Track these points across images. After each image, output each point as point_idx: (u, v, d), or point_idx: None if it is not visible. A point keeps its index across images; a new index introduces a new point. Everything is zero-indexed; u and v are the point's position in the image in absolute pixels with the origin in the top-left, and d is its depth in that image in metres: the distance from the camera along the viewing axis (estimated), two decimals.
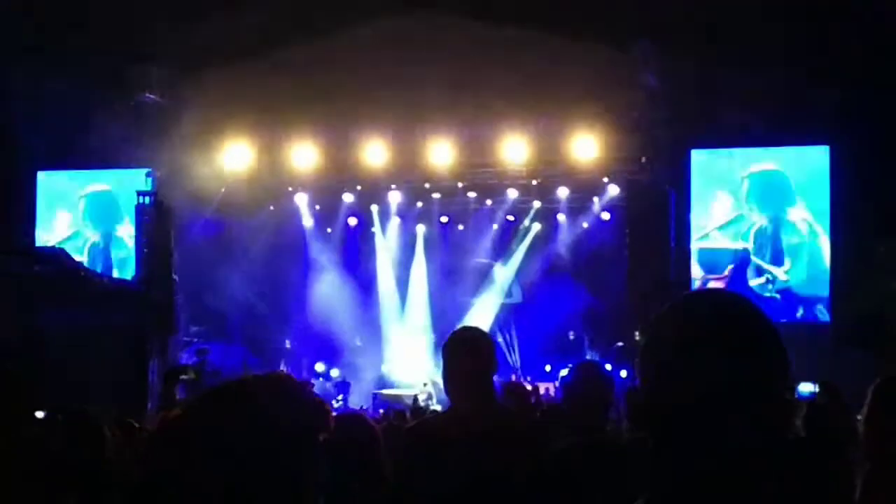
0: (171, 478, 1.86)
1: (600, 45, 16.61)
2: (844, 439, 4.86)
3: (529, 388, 10.22)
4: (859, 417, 3.97)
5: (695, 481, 1.64)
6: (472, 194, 21.12)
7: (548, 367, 20.92)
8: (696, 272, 18.09)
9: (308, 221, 22.19)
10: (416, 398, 18.01)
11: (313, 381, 19.32)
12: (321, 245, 22.45)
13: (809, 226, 17.85)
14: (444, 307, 22.33)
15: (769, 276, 17.93)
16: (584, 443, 4.21)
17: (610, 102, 17.10)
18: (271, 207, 21.00)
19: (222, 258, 19.09)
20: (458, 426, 4.11)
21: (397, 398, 19.46)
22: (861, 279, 16.56)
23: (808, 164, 17.96)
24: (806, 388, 11.39)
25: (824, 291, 17.73)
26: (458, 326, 4.86)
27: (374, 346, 22.73)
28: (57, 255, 17.30)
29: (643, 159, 18.14)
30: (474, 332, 4.50)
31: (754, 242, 18.02)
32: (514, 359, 22.18)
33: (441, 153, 18.59)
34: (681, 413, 1.64)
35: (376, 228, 22.67)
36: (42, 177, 20.45)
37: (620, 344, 19.36)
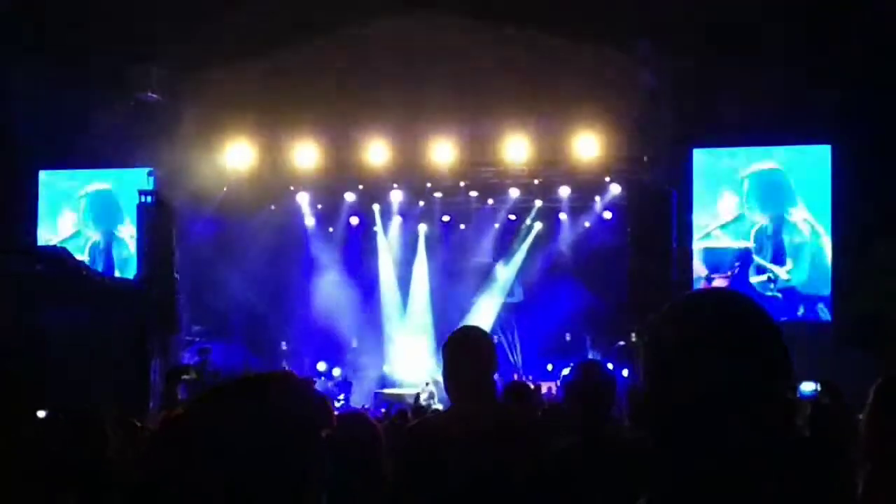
0: (172, 477, 1.86)
1: (601, 44, 16.60)
2: (845, 439, 4.86)
3: (532, 386, 10.21)
4: (860, 417, 3.98)
5: (695, 481, 1.64)
6: (473, 193, 21.11)
7: (549, 367, 20.92)
8: (701, 270, 18.08)
9: (309, 221, 22.20)
10: (417, 397, 18.01)
11: (315, 379, 19.32)
12: (323, 244, 22.46)
13: (810, 225, 17.85)
14: (446, 306, 22.34)
15: (771, 275, 17.93)
16: (585, 442, 4.22)
17: (611, 102, 17.08)
18: (273, 207, 20.99)
19: (224, 257, 19.09)
20: (459, 426, 4.11)
21: (399, 397, 19.47)
22: (862, 278, 16.55)
23: (810, 164, 17.95)
24: (807, 387, 11.39)
25: (825, 290, 17.73)
26: (459, 326, 4.86)
27: (376, 346, 22.74)
28: (58, 255, 17.30)
29: (645, 159, 18.13)
30: (474, 331, 4.50)
31: (755, 242, 18.02)
32: (516, 358, 22.19)
33: (443, 152, 18.58)
34: (682, 412, 1.65)
35: (378, 228, 22.67)
36: (43, 176, 20.45)
37: (622, 343, 19.36)
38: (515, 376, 18.64)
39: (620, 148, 18.11)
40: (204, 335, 19.56)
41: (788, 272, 17.89)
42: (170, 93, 18.57)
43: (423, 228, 22.89)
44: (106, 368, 14.49)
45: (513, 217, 22.19)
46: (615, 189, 19.92)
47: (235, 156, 19.07)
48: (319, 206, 22.00)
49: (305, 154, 18.97)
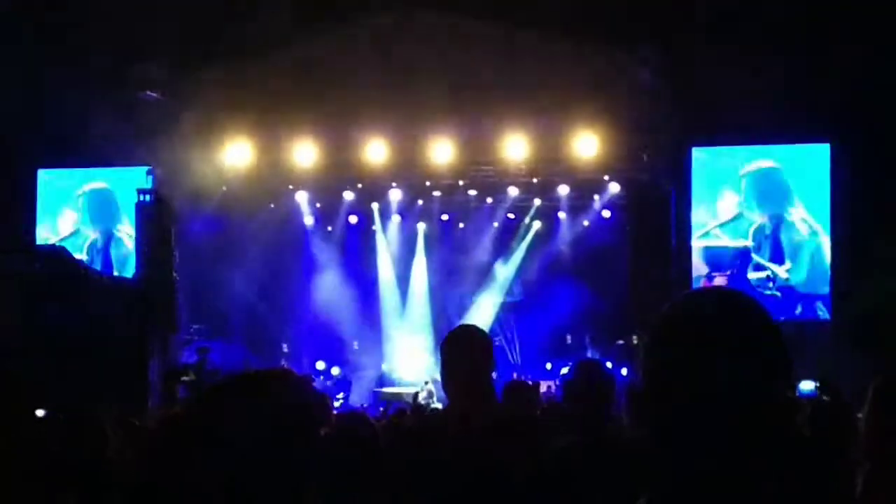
0: (172, 477, 1.86)
1: (600, 43, 16.59)
2: (845, 438, 4.86)
3: (532, 385, 10.21)
4: (859, 416, 3.98)
5: (695, 481, 1.64)
6: (472, 192, 21.10)
7: (548, 365, 20.94)
8: (701, 269, 18.07)
9: (308, 219, 22.21)
10: (415, 396, 18.03)
11: (313, 377, 19.32)
12: (322, 243, 22.47)
13: (809, 224, 17.85)
14: (445, 305, 22.37)
15: (770, 273, 17.93)
16: (584, 441, 4.21)
17: (610, 100, 17.07)
18: (272, 205, 20.99)
19: (223, 256, 19.10)
20: (457, 425, 4.11)
21: (398, 396, 19.48)
22: (861, 277, 16.56)
23: (809, 162, 17.95)
24: (806, 386, 11.39)
25: (824, 289, 17.74)
26: (457, 325, 4.86)
27: (375, 344, 22.75)
28: (57, 254, 17.31)
29: (644, 157, 18.14)
30: (472, 330, 4.49)
31: (753, 240, 18.02)
32: (515, 357, 22.21)
33: (441, 151, 18.58)
34: (682, 412, 1.64)
35: (377, 226, 22.68)
36: (42, 175, 20.44)
37: (621, 342, 19.39)
38: (515, 375, 18.65)
39: (619, 146, 18.10)
40: (203, 334, 19.56)
41: (787, 270, 17.89)
42: (169, 92, 18.55)
43: (422, 227, 22.90)
44: (104, 367, 14.49)
45: (512, 216, 22.19)
46: (614, 188, 19.93)
47: (234, 154, 19.06)
48: (318, 205, 22.01)
49: (304, 153, 18.96)
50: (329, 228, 22.50)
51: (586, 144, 18.04)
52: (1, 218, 19.13)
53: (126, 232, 20.05)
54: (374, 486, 4.07)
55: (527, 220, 22.31)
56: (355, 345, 22.51)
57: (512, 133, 18.18)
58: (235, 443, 1.87)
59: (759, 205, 18.06)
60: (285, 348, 21.66)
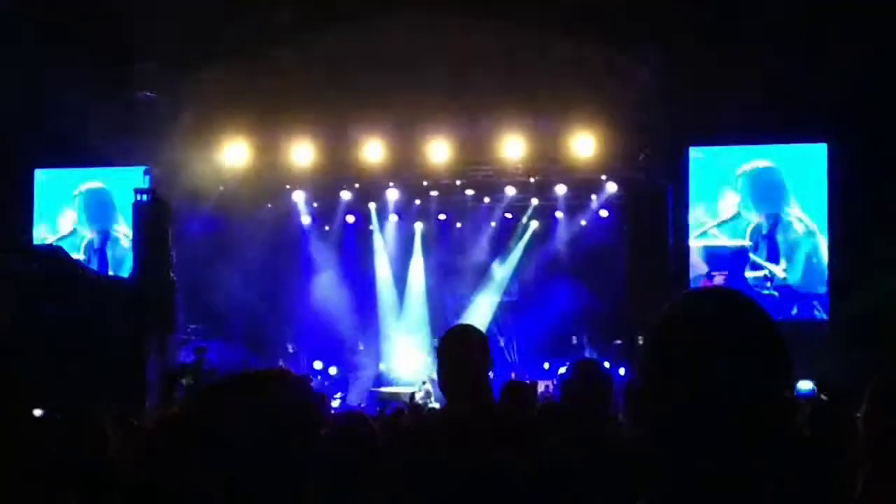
0: (172, 476, 1.86)
1: (597, 43, 16.60)
2: (845, 438, 4.86)
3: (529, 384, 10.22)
4: (858, 415, 3.98)
5: (695, 481, 1.64)
6: (469, 192, 21.13)
7: (546, 365, 20.95)
8: (701, 267, 18.06)
9: (306, 219, 22.22)
10: (412, 396, 18.03)
11: (311, 377, 19.33)
12: (319, 242, 22.48)
13: (806, 224, 17.86)
14: (443, 304, 22.39)
15: (767, 273, 17.94)
16: (582, 441, 4.21)
17: (607, 100, 17.07)
18: (269, 205, 21.00)
19: (220, 256, 19.08)
20: (454, 424, 4.11)
21: (396, 396, 19.48)
22: (858, 277, 16.56)
23: (806, 162, 17.95)
24: (804, 385, 11.41)
25: (821, 289, 17.75)
26: (454, 324, 4.86)
27: (373, 344, 22.76)
28: (54, 253, 17.29)
29: (641, 157, 18.15)
30: (469, 329, 4.49)
31: (751, 240, 18.03)
32: (513, 356, 22.21)
33: (439, 151, 18.59)
34: (682, 412, 1.64)
35: (374, 226, 22.69)
36: (40, 175, 20.42)
37: (619, 342, 19.40)
38: (513, 374, 18.66)
39: (616, 146, 18.11)
40: (200, 333, 19.55)
41: (784, 270, 17.90)
42: (166, 91, 18.54)
43: (419, 227, 22.91)
44: (102, 367, 14.47)
45: (509, 215, 22.20)
46: (611, 187, 19.95)
47: (232, 154, 19.06)
48: (316, 205, 22.02)
49: (302, 152, 18.96)
50: (326, 228, 22.51)
51: (584, 144, 18.05)
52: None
53: (123, 232, 20.02)
54: (372, 486, 4.07)
55: (524, 219, 22.32)
56: (361, 346, 22.52)
57: (509, 133, 18.19)
58: (234, 443, 1.87)
59: (755, 204, 18.06)
60: (291, 349, 21.63)
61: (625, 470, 3.59)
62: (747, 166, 18.06)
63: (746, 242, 18.02)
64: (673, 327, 1.70)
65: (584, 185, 20.33)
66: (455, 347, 4.20)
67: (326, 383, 20.97)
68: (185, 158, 17.99)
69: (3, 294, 14.68)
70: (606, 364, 15.02)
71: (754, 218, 18.04)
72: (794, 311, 17.72)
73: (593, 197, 20.67)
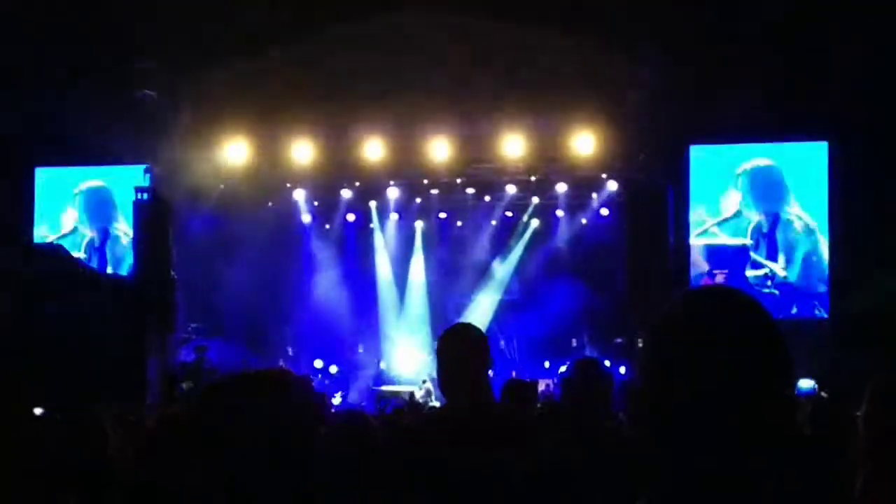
0: (172, 476, 1.86)
1: (598, 41, 16.60)
2: (845, 437, 4.86)
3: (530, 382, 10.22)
4: (858, 414, 3.97)
5: (695, 480, 1.64)
6: (470, 190, 21.13)
7: (546, 364, 20.95)
8: (703, 266, 18.06)
9: (306, 217, 22.22)
10: (412, 394, 18.04)
11: (312, 377, 19.33)
12: (320, 241, 22.48)
13: (806, 222, 17.86)
14: (443, 303, 22.40)
15: (768, 271, 17.94)
16: (583, 440, 4.22)
17: (608, 99, 17.08)
18: (270, 204, 21.00)
19: (220, 254, 19.08)
20: (454, 423, 4.11)
21: (396, 394, 19.49)
22: (859, 276, 16.57)
23: (806, 160, 17.95)
24: (805, 384, 11.39)
25: (822, 288, 17.75)
26: (454, 323, 4.86)
27: (373, 343, 22.76)
28: (55, 252, 17.30)
29: (641, 155, 18.14)
30: (468, 328, 4.49)
31: (752, 238, 18.03)
32: (513, 355, 22.21)
33: (439, 149, 18.58)
34: (682, 411, 1.64)
35: (375, 224, 22.70)
36: (40, 174, 20.42)
37: (619, 340, 19.39)
38: (514, 373, 18.66)
39: (617, 144, 18.11)
40: (201, 332, 19.55)
41: (785, 269, 17.90)
42: (167, 90, 18.54)
43: (419, 225, 22.92)
44: (102, 366, 14.48)
45: (510, 214, 22.20)
46: (612, 186, 19.95)
47: (232, 153, 19.05)
48: (316, 203, 22.03)
49: (302, 151, 18.96)
50: (327, 226, 22.52)
51: (584, 142, 18.04)
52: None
53: (123, 230, 20.03)
54: (372, 485, 4.07)
55: (525, 218, 22.32)
56: (360, 349, 22.52)
57: (510, 131, 18.19)
58: (235, 443, 1.87)
59: (755, 203, 18.06)
60: (290, 352, 21.61)
61: (625, 469, 3.59)
62: (748, 165, 18.07)
63: (747, 241, 18.02)
64: (673, 326, 1.70)
65: (584, 184, 20.34)
66: (454, 346, 4.20)
67: (327, 382, 20.98)
68: (186, 157, 17.99)
69: (3, 292, 14.67)
70: (607, 363, 15.03)
71: (755, 216, 18.04)
72: (795, 310, 17.72)
73: (594, 195, 20.67)
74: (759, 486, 1.63)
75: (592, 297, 20.69)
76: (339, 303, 21.95)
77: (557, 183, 20.48)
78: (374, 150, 18.78)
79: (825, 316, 17.60)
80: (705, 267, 18.06)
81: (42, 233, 20.09)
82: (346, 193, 21.52)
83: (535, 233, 22.47)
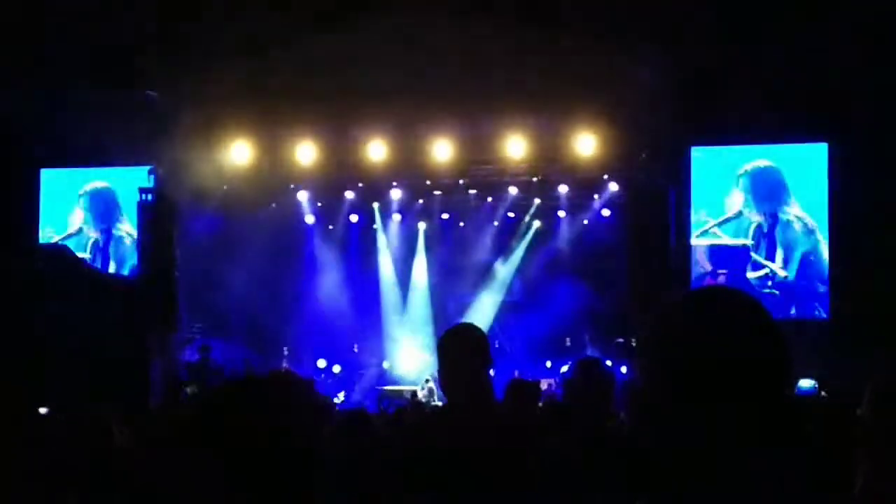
0: (176, 478, 1.87)
1: (600, 42, 16.59)
2: (845, 438, 4.86)
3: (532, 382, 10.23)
4: (858, 415, 3.97)
5: (696, 480, 1.65)
6: (472, 191, 21.12)
7: (548, 364, 20.93)
8: (706, 266, 18.06)
9: (310, 218, 22.19)
10: (414, 394, 18.03)
11: (315, 379, 19.32)
12: (323, 242, 22.47)
13: (806, 223, 17.85)
14: (446, 303, 22.38)
15: (768, 272, 17.94)
16: (584, 440, 4.23)
17: (610, 99, 17.06)
18: (273, 204, 20.98)
19: (224, 255, 19.07)
20: (454, 422, 4.12)
21: (399, 394, 19.48)
22: (859, 277, 16.56)
23: (807, 161, 17.95)
24: (805, 384, 11.40)
25: (822, 288, 17.75)
26: (455, 323, 4.87)
27: (376, 343, 22.75)
28: (59, 252, 17.32)
29: (643, 157, 18.13)
30: (468, 328, 4.51)
31: (753, 239, 18.03)
32: (515, 355, 22.19)
33: (441, 150, 18.57)
34: (682, 411, 1.66)
35: (377, 225, 22.68)
36: (45, 175, 20.45)
37: (621, 340, 19.37)
38: (516, 373, 18.65)
39: (618, 146, 18.09)
40: (204, 333, 19.56)
41: (785, 269, 17.90)
42: (170, 90, 18.54)
43: (422, 226, 22.90)
44: (105, 366, 14.49)
45: (512, 215, 22.17)
46: (614, 187, 19.93)
47: (236, 153, 19.04)
48: (319, 204, 22.01)
49: (305, 152, 18.96)
50: (330, 227, 22.50)
51: (586, 143, 18.03)
52: (3, 217, 19.12)
53: (127, 231, 20.06)
54: (374, 484, 4.08)
55: (527, 218, 22.29)
56: (355, 347, 22.50)
57: (512, 132, 18.18)
58: (238, 446, 1.89)
59: (756, 203, 18.07)
60: (286, 352, 21.58)
61: (626, 468, 3.60)
62: (748, 166, 18.07)
63: (749, 241, 18.02)
64: (673, 326, 1.71)
65: (586, 185, 20.32)
66: (454, 346, 4.22)
67: (329, 381, 20.96)
68: (189, 158, 17.99)
69: (7, 293, 14.69)
70: (608, 363, 15.02)
71: (755, 217, 18.05)
72: (795, 311, 17.72)
73: (595, 196, 20.65)
74: (759, 486, 1.64)
75: (594, 297, 20.67)
76: (341, 303, 21.94)
77: (559, 184, 20.46)
78: (376, 151, 18.78)
79: (825, 316, 17.60)
80: (709, 267, 18.06)
81: (47, 234, 20.11)
82: (349, 194, 21.51)
83: (537, 233, 22.44)
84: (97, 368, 14.01)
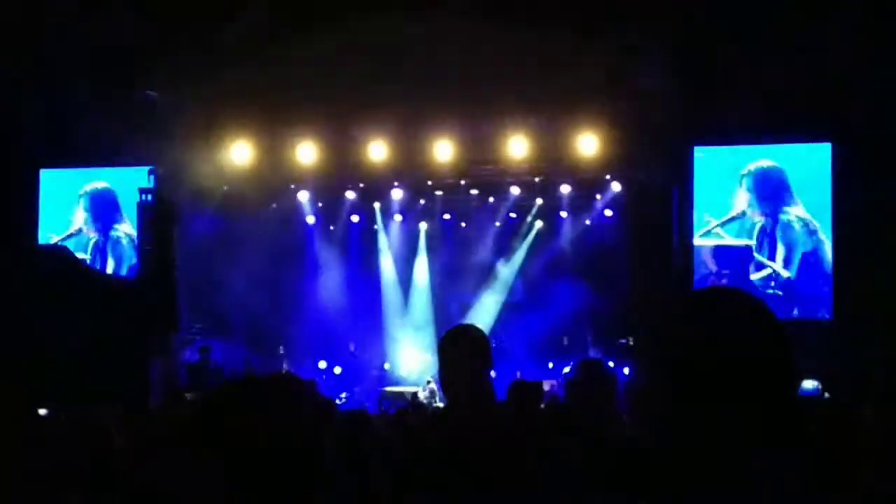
0: (177, 479, 1.86)
1: (602, 42, 16.59)
2: (848, 437, 4.86)
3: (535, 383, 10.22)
4: (860, 414, 3.98)
5: (696, 480, 1.64)
6: (474, 191, 21.13)
7: (550, 365, 20.93)
8: (711, 266, 18.05)
9: (310, 219, 22.20)
10: (415, 395, 18.03)
11: (316, 381, 19.31)
12: (323, 242, 22.48)
13: (810, 223, 17.85)
14: (447, 304, 22.37)
15: (771, 272, 17.94)
16: (586, 441, 4.22)
17: (612, 99, 17.08)
18: (273, 205, 21.01)
19: (224, 255, 19.09)
20: (455, 423, 4.11)
21: (400, 395, 19.48)
22: (862, 277, 16.55)
23: (810, 162, 17.94)
24: (808, 384, 11.40)
25: (825, 289, 17.74)
26: (456, 324, 4.87)
27: (377, 344, 22.75)
28: (59, 253, 17.32)
29: (645, 157, 18.13)
30: (468, 329, 4.50)
31: (756, 239, 18.03)
32: (517, 356, 22.19)
33: (443, 150, 18.58)
34: (684, 412, 1.65)
35: (378, 226, 22.69)
36: (45, 175, 20.46)
37: (624, 341, 19.37)
38: (518, 374, 18.65)
39: (620, 146, 18.09)
40: (204, 333, 19.56)
41: (788, 269, 17.90)
42: (170, 91, 18.55)
43: (423, 226, 22.90)
44: (105, 367, 14.48)
45: (513, 215, 22.18)
46: (616, 187, 19.94)
47: (236, 154, 19.06)
48: (320, 204, 22.02)
49: (306, 152, 18.97)
50: (331, 228, 22.51)
51: (588, 144, 18.04)
52: (3, 217, 19.13)
53: (126, 231, 20.07)
54: (375, 484, 4.08)
55: (528, 219, 22.29)
56: (351, 346, 22.50)
57: (513, 132, 18.19)
58: (239, 447, 1.88)
59: (759, 204, 18.07)
60: (282, 350, 21.57)
61: (628, 469, 3.59)
62: (752, 166, 18.07)
63: (752, 242, 18.02)
64: (676, 326, 1.70)
65: (588, 185, 20.33)
66: (454, 347, 4.21)
67: (330, 382, 20.96)
68: (190, 158, 18.01)
69: (6, 293, 14.69)
70: (611, 363, 15.01)
71: (758, 217, 18.04)
72: (798, 311, 17.72)
73: (597, 196, 20.65)
74: (760, 486, 1.63)
75: (596, 297, 20.66)
76: (343, 304, 21.94)
77: (561, 184, 20.46)
78: (377, 151, 18.79)
79: (828, 317, 17.59)
80: (713, 267, 18.06)
81: (47, 234, 20.12)
82: (350, 195, 21.53)
83: (539, 234, 22.44)
84: (97, 369, 13.99)
